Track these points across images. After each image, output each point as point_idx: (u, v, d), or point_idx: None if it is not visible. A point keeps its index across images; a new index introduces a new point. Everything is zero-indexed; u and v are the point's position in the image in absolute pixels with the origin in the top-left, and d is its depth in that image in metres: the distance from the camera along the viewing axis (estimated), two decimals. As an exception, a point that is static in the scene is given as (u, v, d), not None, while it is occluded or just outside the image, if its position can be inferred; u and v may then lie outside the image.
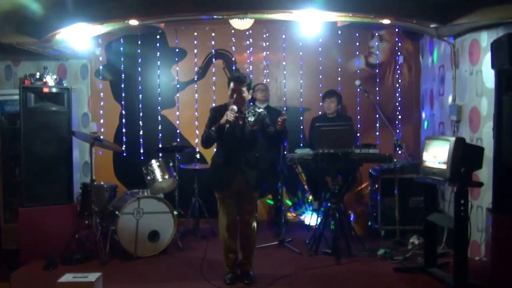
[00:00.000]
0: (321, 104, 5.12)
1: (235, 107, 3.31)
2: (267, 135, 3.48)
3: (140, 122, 5.54)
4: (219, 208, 3.51)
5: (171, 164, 4.57)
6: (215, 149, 3.56)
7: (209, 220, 4.84)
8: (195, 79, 5.55)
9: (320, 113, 5.21)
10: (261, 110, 3.51)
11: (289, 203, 5.42)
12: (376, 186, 4.69)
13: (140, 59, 5.54)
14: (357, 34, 5.38)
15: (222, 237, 3.55)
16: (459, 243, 3.15)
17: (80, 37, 4.33)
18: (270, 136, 3.46)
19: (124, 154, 5.51)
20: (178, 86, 5.56)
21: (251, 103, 3.56)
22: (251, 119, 3.44)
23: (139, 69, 5.56)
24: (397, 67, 5.38)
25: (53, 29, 4.02)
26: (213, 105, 5.31)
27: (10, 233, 4.59)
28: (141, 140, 5.54)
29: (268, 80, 5.50)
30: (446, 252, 3.91)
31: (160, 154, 5.33)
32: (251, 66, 5.50)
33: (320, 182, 4.73)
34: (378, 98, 5.32)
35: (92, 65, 5.60)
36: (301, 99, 5.47)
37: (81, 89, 5.52)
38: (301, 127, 5.41)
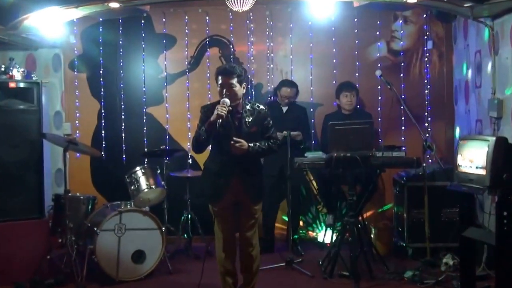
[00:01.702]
0: (335, 98, 5.11)
1: (227, 100, 3.27)
2: (262, 143, 3.40)
3: (122, 122, 5.53)
4: (215, 224, 3.50)
5: (158, 171, 4.58)
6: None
7: (204, 237, 4.82)
8: (187, 71, 5.54)
9: (335, 105, 5.17)
10: (261, 107, 3.47)
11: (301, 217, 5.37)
12: (402, 195, 4.66)
13: (122, 48, 5.52)
14: (377, 16, 5.35)
15: (218, 257, 3.53)
16: (502, 264, 3.10)
17: (51, 23, 4.33)
18: (260, 149, 3.37)
19: (104, 160, 5.51)
20: (166, 79, 5.56)
21: (250, 100, 3.54)
22: (249, 119, 3.41)
23: (121, 60, 5.53)
24: (425, 54, 5.35)
25: (20, 13, 4.02)
26: (209, 99, 5.39)
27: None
28: (123, 143, 5.53)
29: (272, 68, 5.49)
30: (487, 274, 3.89)
31: (146, 160, 5.31)
32: (252, 54, 5.51)
33: (335, 192, 4.72)
34: (402, 90, 5.30)
35: (65, 55, 5.57)
36: (312, 92, 5.45)
37: (53, 84, 5.50)
38: (312, 125, 5.38)
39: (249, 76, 5.40)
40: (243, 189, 3.39)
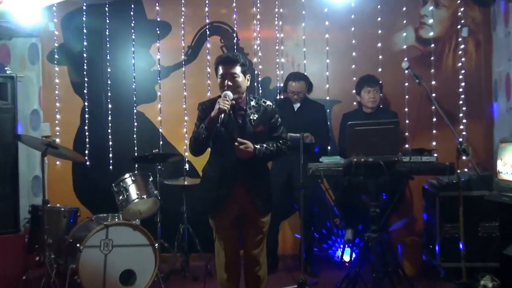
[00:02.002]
0: (356, 95, 5.12)
1: (229, 93, 3.29)
2: (270, 144, 3.43)
3: (109, 123, 5.58)
4: (215, 240, 3.52)
5: (151, 179, 4.61)
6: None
7: (202, 255, 4.85)
8: (183, 63, 5.58)
9: (355, 105, 5.22)
10: (268, 103, 3.49)
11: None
12: (433, 207, 4.67)
13: (108, 38, 5.59)
14: (403, 0, 5.37)
15: (220, 278, 3.55)
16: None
17: (28, 8, 4.36)
18: (268, 151, 3.39)
19: (88, 166, 5.57)
20: (160, 72, 5.60)
21: (255, 96, 3.58)
22: (254, 116, 3.42)
23: (108, 51, 5.59)
24: (460, 42, 5.37)
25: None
26: (209, 96, 5.43)
27: None
28: (110, 146, 5.57)
29: (281, 61, 5.52)
30: (531, 298, 3.92)
31: (136, 166, 5.36)
32: (258, 44, 5.54)
33: (354, 203, 4.73)
34: (433, 86, 5.30)
35: (44, 45, 5.65)
36: (328, 88, 5.48)
37: (30, 78, 5.55)
38: (328, 125, 5.37)
39: (254, 69, 5.48)
40: (249, 199, 3.40)
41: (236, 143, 3.29)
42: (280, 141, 3.50)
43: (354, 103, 5.27)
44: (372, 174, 3.99)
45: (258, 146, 3.36)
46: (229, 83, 3.32)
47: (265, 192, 3.50)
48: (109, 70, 5.60)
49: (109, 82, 5.60)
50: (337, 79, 5.47)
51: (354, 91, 5.16)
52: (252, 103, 3.45)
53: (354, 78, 5.27)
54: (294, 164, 4.45)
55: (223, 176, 3.39)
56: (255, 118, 3.41)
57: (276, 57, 5.54)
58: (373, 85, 4.94)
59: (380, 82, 5.08)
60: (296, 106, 5.01)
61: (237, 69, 3.34)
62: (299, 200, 4.42)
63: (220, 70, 3.36)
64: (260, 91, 5.50)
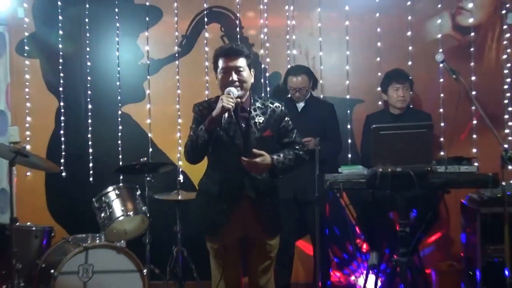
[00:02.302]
0: (382, 93, 5.12)
1: (233, 89, 3.31)
2: (287, 152, 3.47)
3: (89, 126, 5.58)
4: (213, 266, 3.53)
5: (138, 193, 4.66)
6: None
7: (199, 283, 4.84)
8: (177, 56, 5.58)
9: (380, 105, 5.23)
10: (276, 104, 3.51)
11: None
12: (473, 226, 4.62)
13: (88, 26, 5.60)
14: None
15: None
16: None
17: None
18: (287, 162, 3.42)
19: (64, 178, 5.55)
20: (149, 66, 5.59)
21: (260, 96, 3.60)
22: (260, 119, 3.43)
23: (87, 41, 5.60)
24: (505, 30, 5.34)
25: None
26: (207, 95, 5.46)
27: None
28: (90, 154, 5.57)
29: (293, 53, 5.51)
30: None
31: (121, 177, 5.36)
32: (266, 34, 5.52)
33: (380, 221, 4.72)
34: (473, 82, 5.28)
35: (12, 35, 5.65)
36: (348, 85, 5.46)
37: (-5, 74, 5.62)
38: (349, 129, 5.40)
39: (261, 63, 5.49)
40: (255, 218, 3.41)
41: (244, 159, 3.27)
42: (297, 147, 3.52)
43: (380, 102, 5.27)
44: (400, 187, 3.97)
45: (275, 157, 3.37)
46: (234, 78, 3.33)
47: (274, 209, 3.50)
48: (89, 64, 5.59)
49: (89, 78, 5.59)
50: (359, 74, 5.46)
51: (379, 88, 5.16)
52: (258, 104, 3.47)
53: (380, 74, 5.28)
54: (302, 177, 4.39)
55: (223, 189, 3.39)
56: (261, 121, 3.41)
57: (287, 49, 5.52)
58: (402, 82, 4.93)
59: (410, 78, 5.06)
60: (300, 105, 5.01)
61: (242, 62, 3.36)
62: (312, 218, 4.40)
63: (221, 64, 3.37)
64: (268, 88, 5.51)
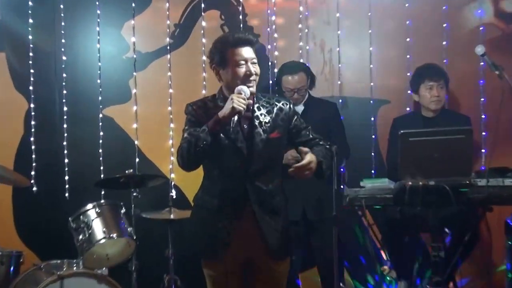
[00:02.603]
0: (412, 93, 5.11)
1: (246, 89, 3.30)
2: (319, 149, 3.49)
3: (65, 132, 5.58)
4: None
5: (123, 211, 4.63)
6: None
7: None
8: (169, 48, 5.59)
9: (408, 109, 5.23)
10: (282, 101, 3.54)
11: (357, 285, 5.40)
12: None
13: (63, 14, 5.63)
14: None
15: None
16: None
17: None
18: (329, 163, 3.46)
19: (35, 193, 5.52)
20: (135, 61, 5.59)
21: (263, 93, 3.60)
22: (266, 118, 3.44)
23: (62, 30, 5.63)
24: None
25: None
26: (204, 93, 5.44)
27: None
28: (66, 165, 5.56)
29: (306, 46, 5.50)
30: None
31: (103, 192, 5.35)
32: (274, 23, 5.51)
33: (409, 244, 4.70)
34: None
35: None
36: (372, 84, 5.47)
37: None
38: (373, 136, 5.38)
39: (268, 56, 5.50)
40: (261, 236, 3.37)
41: (297, 164, 3.25)
42: (320, 143, 3.54)
43: (408, 108, 5.25)
44: (434, 203, 3.96)
45: (321, 158, 3.37)
46: (253, 70, 3.34)
47: (283, 227, 3.47)
48: (64, 58, 5.60)
49: (64, 75, 5.60)
50: (384, 72, 5.48)
51: (409, 88, 5.16)
52: (262, 101, 3.49)
53: (409, 74, 5.26)
54: (311, 191, 4.43)
55: (224, 202, 3.39)
56: (266, 121, 3.43)
57: (299, 40, 5.52)
58: (436, 79, 4.92)
59: (446, 74, 5.04)
60: (299, 109, 4.88)
61: (254, 53, 3.41)
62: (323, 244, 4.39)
63: (236, 55, 3.35)
64: (276, 87, 5.39)
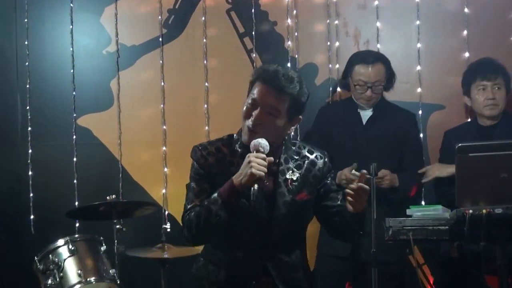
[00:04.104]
0: (463, 96, 5.13)
1: (264, 142, 3.22)
2: (332, 218, 3.54)
3: (29, 148, 5.65)
4: None
5: (103, 248, 4.73)
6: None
7: None
8: (161, 40, 5.65)
9: (468, 118, 5.32)
10: (316, 154, 3.49)
11: None
12: None
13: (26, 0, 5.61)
14: None
15: None
16: None
17: None
18: (339, 222, 3.49)
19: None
20: (119, 56, 5.60)
21: (294, 141, 3.64)
22: (293, 175, 3.40)
23: (26, 19, 5.66)
24: None
25: None
26: (208, 101, 5.54)
27: None
28: (30, 189, 5.63)
29: (335, 35, 5.55)
30: None
31: (78, 224, 5.44)
32: (294, 5, 5.59)
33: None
34: None
35: None
36: (419, 88, 5.48)
37: None
38: (422, 153, 5.32)
39: (288, 51, 5.61)
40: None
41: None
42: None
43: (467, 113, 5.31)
44: (502, 237, 3.91)
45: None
46: (257, 121, 3.26)
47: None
48: (27, 53, 5.64)
49: (28, 74, 5.64)
50: (435, 71, 5.56)
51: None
52: (291, 152, 3.48)
53: (466, 62, 5.38)
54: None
55: (235, 275, 3.43)
56: (294, 179, 3.42)
57: (327, 29, 5.55)
58: (491, 77, 4.87)
59: (505, 70, 4.98)
60: (366, 114, 4.96)
61: (282, 102, 3.29)
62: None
63: (255, 93, 3.31)
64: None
